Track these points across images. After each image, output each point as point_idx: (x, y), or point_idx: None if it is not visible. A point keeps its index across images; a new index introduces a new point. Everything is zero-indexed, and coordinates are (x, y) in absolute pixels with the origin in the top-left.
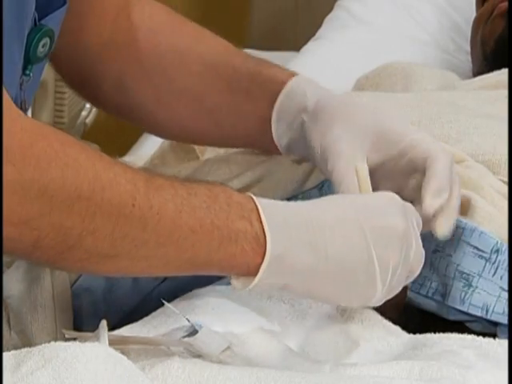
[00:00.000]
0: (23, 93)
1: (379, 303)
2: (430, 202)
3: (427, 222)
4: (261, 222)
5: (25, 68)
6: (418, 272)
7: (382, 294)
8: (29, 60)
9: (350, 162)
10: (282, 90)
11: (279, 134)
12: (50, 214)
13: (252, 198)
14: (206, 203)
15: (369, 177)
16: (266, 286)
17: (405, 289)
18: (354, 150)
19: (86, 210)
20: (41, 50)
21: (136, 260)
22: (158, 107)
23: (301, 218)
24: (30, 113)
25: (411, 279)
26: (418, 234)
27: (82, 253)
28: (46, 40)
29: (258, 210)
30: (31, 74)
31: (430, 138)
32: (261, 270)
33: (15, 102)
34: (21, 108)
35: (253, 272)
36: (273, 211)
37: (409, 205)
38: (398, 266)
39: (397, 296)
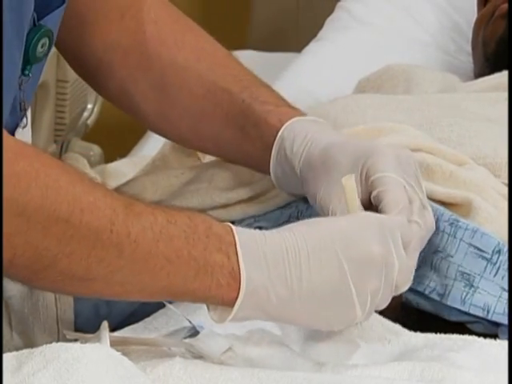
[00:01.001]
0: (22, 93)
1: (364, 321)
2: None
3: None
4: (237, 256)
5: (24, 68)
6: (405, 288)
7: (364, 315)
8: (28, 60)
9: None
10: (274, 143)
11: (277, 179)
12: (27, 234)
13: (231, 231)
14: (186, 233)
15: (356, 193)
16: (242, 319)
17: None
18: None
19: (63, 232)
20: (40, 50)
21: (111, 284)
22: (160, 120)
23: (277, 251)
24: (29, 113)
25: (399, 293)
26: (401, 249)
27: (57, 274)
28: (45, 40)
29: (235, 243)
30: (30, 75)
31: (398, 181)
32: (235, 306)
33: (14, 103)
34: (20, 108)
35: (227, 304)
36: (250, 244)
37: (389, 221)
38: (379, 290)
39: (393, 299)
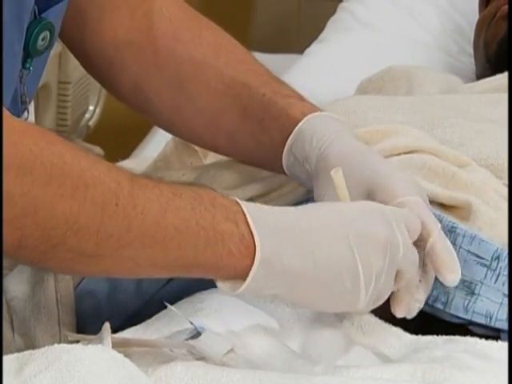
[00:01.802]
0: (23, 86)
1: (367, 310)
2: (452, 278)
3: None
4: (247, 224)
5: (24, 61)
6: (413, 273)
7: (366, 300)
8: (28, 53)
9: None
10: (292, 133)
11: (290, 169)
12: (34, 214)
13: (237, 201)
14: (192, 204)
15: (345, 185)
16: (253, 292)
17: None
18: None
19: (69, 209)
20: (41, 43)
21: (121, 260)
22: (176, 118)
23: (288, 222)
24: (32, 112)
25: (405, 281)
26: (407, 238)
27: (66, 252)
28: (46, 33)
29: (243, 212)
30: (31, 68)
31: (421, 203)
32: (251, 273)
33: (15, 95)
34: (21, 101)
35: (240, 275)
36: (258, 214)
37: (394, 210)
38: (382, 272)
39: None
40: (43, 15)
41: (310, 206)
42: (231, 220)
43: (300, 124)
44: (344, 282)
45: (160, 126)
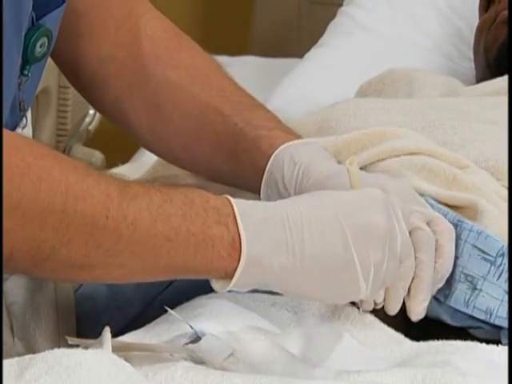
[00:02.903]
0: (22, 93)
1: (373, 297)
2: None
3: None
4: (237, 226)
5: (23, 68)
6: (408, 263)
7: (369, 289)
8: (27, 60)
9: None
10: (265, 171)
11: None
12: (24, 228)
13: (229, 201)
14: (182, 210)
15: (359, 173)
16: (244, 287)
17: None
18: None
19: (59, 223)
20: (38, 49)
21: (112, 268)
22: (154, 139)
23: (278, 218)
24: (30, 114)
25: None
26: (404, 226)
27: (57, 264)
28: (44, 40)
29: (234, 213)
30: (29, 74)
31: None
32: (236, 273)
33: (13, 102)
34: (20, 108)
35: (230, 276)
36: (249, 213)
37: (393, 199)
38: (382, 262)
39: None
40: (41, 22)
41: (305, 195)
42: (222, 223)
43: (270, 161)
44: (339, 276)
45: (143, 147)
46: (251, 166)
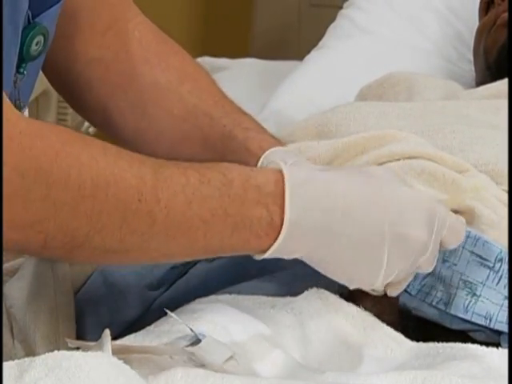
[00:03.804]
0: (17, 91)
1: (376, 292)
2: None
3: None
4: (279, 206)
5: (18, 66)
6: (426, 271)
7: (382, 284)
8: (23, 58)
9: None
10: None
11: None
12: (55, 217)
13: (281, 177)
14: (220, 191)
15: None
16: (278, 256)
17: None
18: None
19: (91, 209)
20: (34, 47)
21: (147, 252)
22: (138, 141)
23: (326, 198)
24: (27, 113)
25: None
26: (438, 242)
27: (91, 250)
28: (40, 38)
29: (282, 191)
30: (25, 73)
31: None
32: (271, 248)
33: (10, 100)
34: (15, 106)
35: (266, 251)
36: (298, 190)
37: (442, 212)
38: (407, 271)
39: (389, 299)
40: (37, 20)
41: (363, 177)
42: (262, 203)
43: (261, 160)
44: (363, 268)
45: (124, 147)
46: None
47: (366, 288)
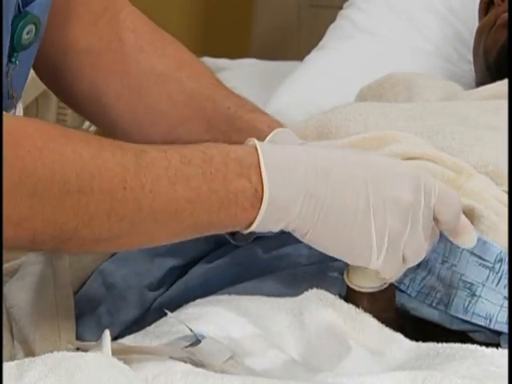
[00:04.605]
0: (10, 81)
1: (385, 269)
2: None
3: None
4: (260, 176)
5: (10, 55)
6: (421, 248)
7: (382, 259)
8: (14, 47)
9: None
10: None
11: None
12: (43, 213)
13: (255, 150)
14: (202, 168)
15: None
16: (267, 229)
17: (391, 284)
18: None
19: (77, 203)
20: (26, 37)
21: (137, 237)
22: (133, 126)
23: (307, 166)
24: (21, 110)
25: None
26: (430, 208)
27: (82, 241)
28: (31, 27)
29: (258, 162)
30: (17, 62)
31: None
32: (256, 219)
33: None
34: (8, 96)
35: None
36: (276, 160)
37: (428, 178)
38: (400, 235)
39: (386, 290)
40: (27, 9)
41: (340, 150)
42: (244, 175)
43: (270, 136)
44: (354, 237)
45: (114, 135)
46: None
47: (366, 262)
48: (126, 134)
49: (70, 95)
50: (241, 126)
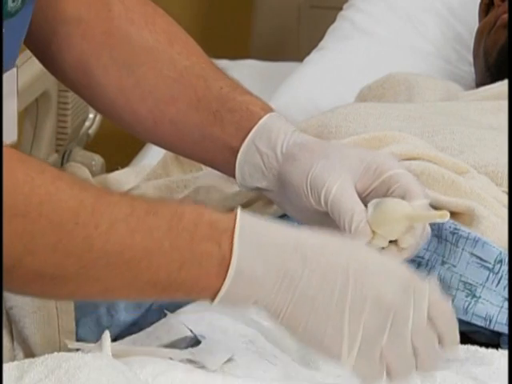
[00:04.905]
0: None
1: (358, 370)
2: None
3: None
4: (232, 243)
5: None
6: (428, 354)
7: (353, 359)
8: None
9: (350, 186)
10: (256, 126)
11: (242, 166)
12: None
13: (234, 216)
14: (168, 223)
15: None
16: (234, 304)
17: None
18: (345, 176)
19: (22, 227)
20: (11, 4)
21: (87, 282)
22: (120, 99)
23: (284, 244)
24: (14, 81)
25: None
26: (422, 315)
27: (25, 273)
28: None
29: (234, 229)
30: (4, 30)
31: (410, 175)
32: (222, 289)
33: None
34: None
35: (217, 293)
36: (255, 231)
37: (419, 282)
38: (375, 339)
39: None
40: None
41: (325, 234)
42: (214, 239)
43: (264, 118)
44: (324, 329)
45: (100, 107)
46: (234, 126)
47: (335, 359)
48: (112, 106)
49: (57, 65)
50: (233, 106)
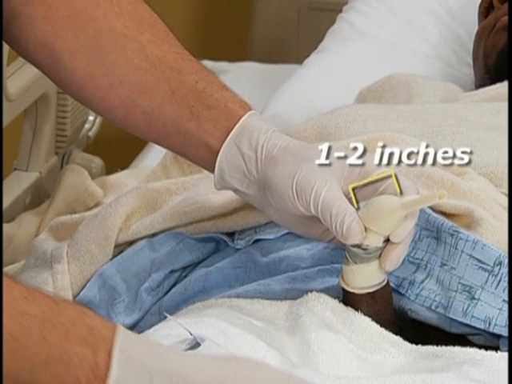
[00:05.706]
0: None
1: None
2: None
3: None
4: (109, 354)
5: None
6: None
7: None
8: None
9: (337, 188)
10: (237, 125)
11: (222, 166)
12: None
13: (115, 328)
14: (44, 314)
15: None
16: None
17: (388, 285)
18: (331, 179)
19: None
20: None
21: None
22: (88, 86)
23: (168, 375)
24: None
25: None
26: None
27: None
28: None
29: (113, 340)
30: None
31: (398, 173)
32: None
33: None
34: None
35: None
36: (133, 351)
37: None
38: None
39: (383, 288)
40: None
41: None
42: (90, 344)
43: (244, 118)
44: None
45: (67, 89)
46: (211, 123)
47: None
48: (81, 91)
49: (21, 44)
50: (211, 103)
